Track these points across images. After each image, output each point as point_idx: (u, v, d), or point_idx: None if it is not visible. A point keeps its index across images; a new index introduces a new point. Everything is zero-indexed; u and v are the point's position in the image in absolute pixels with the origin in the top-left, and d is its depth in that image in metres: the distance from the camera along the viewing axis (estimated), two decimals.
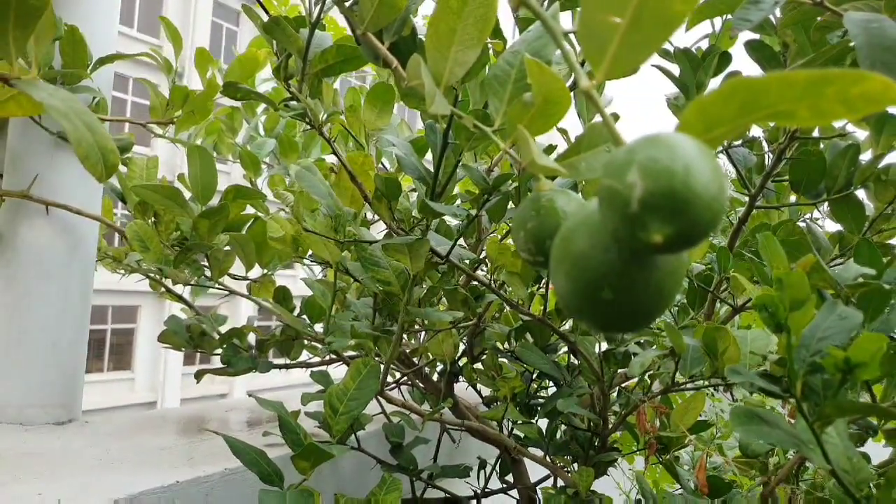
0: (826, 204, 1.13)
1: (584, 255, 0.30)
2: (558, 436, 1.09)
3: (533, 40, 0.49)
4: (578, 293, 0.30)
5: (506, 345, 1.08)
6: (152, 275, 1.26)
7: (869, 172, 0.98)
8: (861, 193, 1.00)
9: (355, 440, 0.93)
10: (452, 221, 1.18)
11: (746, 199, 1.04)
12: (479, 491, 1.17)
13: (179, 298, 1.24)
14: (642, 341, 0.88)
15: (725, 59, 0.97)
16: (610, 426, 0.90)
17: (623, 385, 1.07)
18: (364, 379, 0.72)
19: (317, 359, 1.30)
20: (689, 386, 0.76)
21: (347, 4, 0.64)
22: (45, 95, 0.39)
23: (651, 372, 0.79)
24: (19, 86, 0.38)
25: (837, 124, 1.07)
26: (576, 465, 1.07)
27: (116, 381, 14.69)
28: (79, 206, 1.03)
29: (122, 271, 1.28)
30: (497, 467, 1.24)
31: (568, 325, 1.08)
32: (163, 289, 1.27)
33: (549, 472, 1.27)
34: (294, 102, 0.86)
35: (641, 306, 0.30)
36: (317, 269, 1.67)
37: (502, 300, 0.82)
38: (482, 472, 1.24)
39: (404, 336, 1.21)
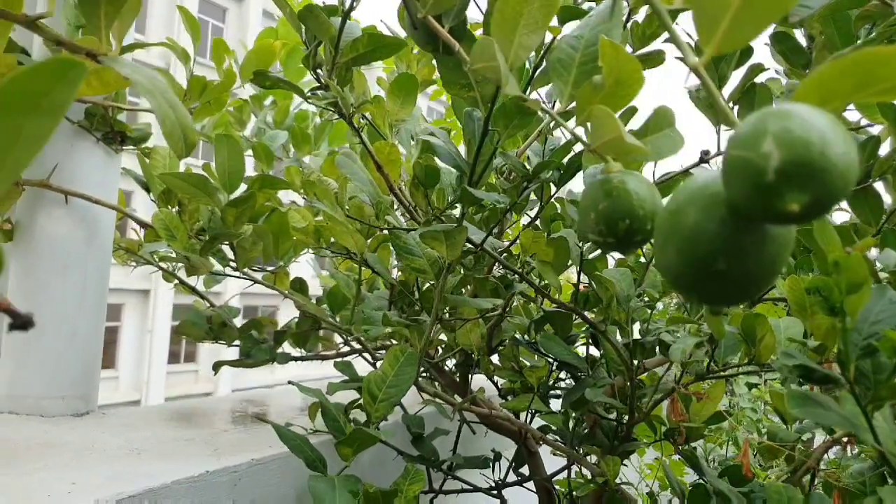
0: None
1: (698, 228, 0.30)
2: (570, 425, 1.10)
3: (595, 24, 0.49)
4: (691, 266, 0.31)
5: (526, 336, 1.08)
6: (164, 266, 1.25)
7: (887, 165, 0.99)
8: (879, 185, 1.01)
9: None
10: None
11: None
12: (497, 482, 1.17)
13: (193, 290, 1.23)
14: (669, 330, 0.88)
15: (747, 51, 0.98)
16: (637, 415, 0.90)
17: (638, 377, 1.07)
18: (402, 366, 0.72)
19: (330, 351, 1.30)
20: (725, 372, 0.77)
21: None
22: (129, 72, 0.39)
23: (682, 360, 0.79)
24: (106, 62, 0.38)
25: (853, 118, 1.09)
26: (592, 456, 1.08)
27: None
28: (96, 196, 1.02)
29: (134, 263, 1.27)
30: (512, 460, 1.24)
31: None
32: (175, 280, 1.26)
33: (564, 464, 1.27)
34: (323, 91, 0.86)
35: (754, 276, 0.30)
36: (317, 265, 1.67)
37: (534, 289, 0.82)
38: (496, 464, 1.25)
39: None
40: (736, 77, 1.01)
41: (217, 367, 1.14)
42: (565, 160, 0.92)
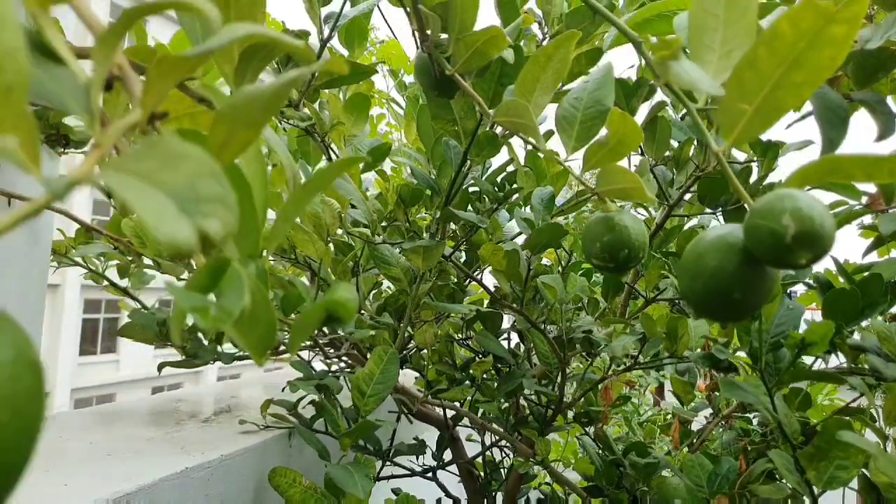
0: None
1: (720, 268, 0.43)
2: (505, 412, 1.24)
3: (594, 90, 0.61)
4: (714, 296, 0.43)
5: (459, 334, 1.20)
6: (93, 268, 1.24)
7: (756, 189, 1.21)
8: None
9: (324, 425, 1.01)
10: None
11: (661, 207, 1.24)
12: (430, 467, 1.28)
13: (125, 293, 1.23)
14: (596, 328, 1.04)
15: (653, 89, 1.15)
16: (564, 402, 1.05)
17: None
18: (387, 364, 0.81)
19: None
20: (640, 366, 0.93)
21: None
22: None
23: (623, 354, 0.94)
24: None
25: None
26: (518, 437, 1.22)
27: None
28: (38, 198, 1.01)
29: (55, 265, 1.24)
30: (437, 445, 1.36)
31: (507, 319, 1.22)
32: (105, 282, 1.25)
33: (480, 449, 1.41)
34: (299, 111, 0.92)
35: (756, 302, 0.44)
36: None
37: (489, 294, 0.94)
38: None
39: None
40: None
41: (160, 368, 1.16)
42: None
